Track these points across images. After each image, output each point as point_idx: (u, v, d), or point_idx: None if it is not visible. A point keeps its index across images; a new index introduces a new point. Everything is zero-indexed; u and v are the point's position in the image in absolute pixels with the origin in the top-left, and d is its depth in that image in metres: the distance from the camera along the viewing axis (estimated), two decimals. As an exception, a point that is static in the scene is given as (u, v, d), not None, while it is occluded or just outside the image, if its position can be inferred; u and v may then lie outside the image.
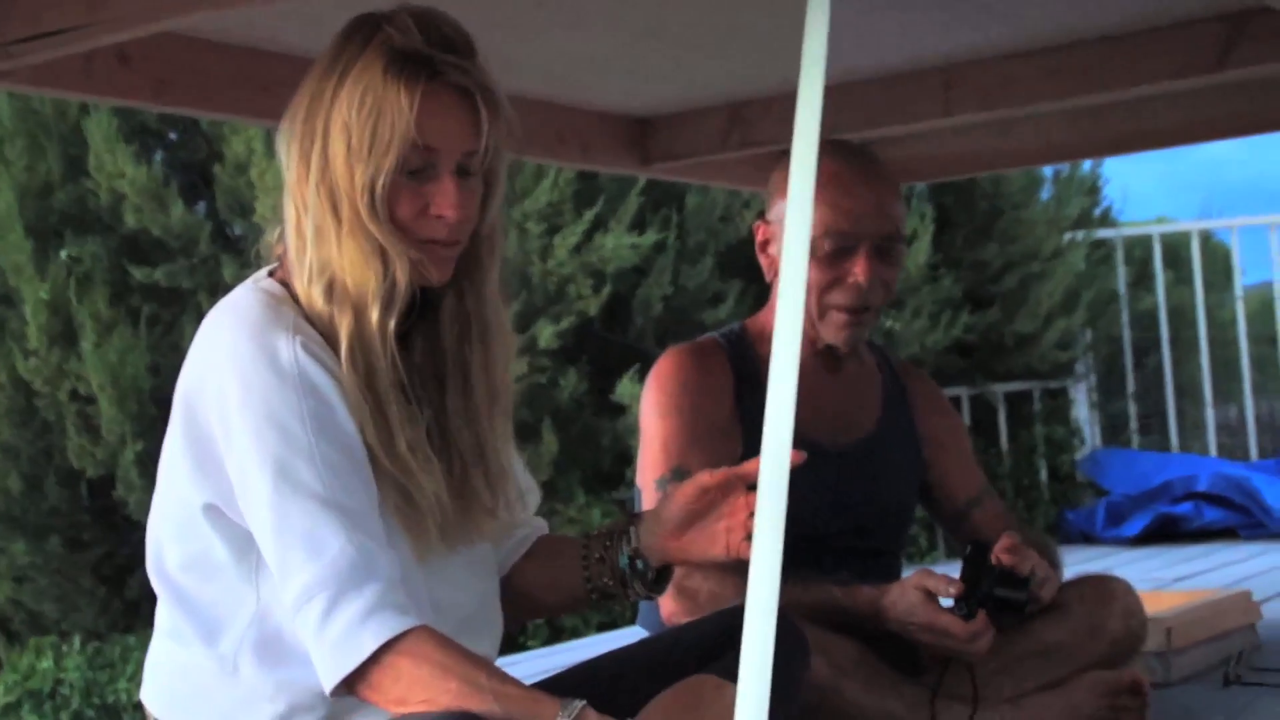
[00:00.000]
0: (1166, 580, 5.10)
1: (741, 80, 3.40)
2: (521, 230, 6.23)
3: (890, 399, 2.77)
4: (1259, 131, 3.66)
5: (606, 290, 6.30)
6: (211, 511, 1.74)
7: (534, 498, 2.07)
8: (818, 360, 2.67)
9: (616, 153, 3.72)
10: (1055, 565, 2.66)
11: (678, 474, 2.50)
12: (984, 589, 2.33)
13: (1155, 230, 8.13)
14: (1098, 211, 8.52)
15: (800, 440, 2.59)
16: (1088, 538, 6.87)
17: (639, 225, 6.47)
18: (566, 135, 3.53)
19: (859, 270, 2.52)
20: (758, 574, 1.67)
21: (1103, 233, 8.09)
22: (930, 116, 3.44)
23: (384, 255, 1.74)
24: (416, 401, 1.81)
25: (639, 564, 1.95)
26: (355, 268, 1.74)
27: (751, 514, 1.82)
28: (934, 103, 3.40)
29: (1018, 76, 3.28)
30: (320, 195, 1.74)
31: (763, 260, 2.68)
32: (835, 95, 3.54)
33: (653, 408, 2.61)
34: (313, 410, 1.69)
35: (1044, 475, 7.33)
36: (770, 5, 2.61)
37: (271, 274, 1.83)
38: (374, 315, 1.74)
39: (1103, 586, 2.62)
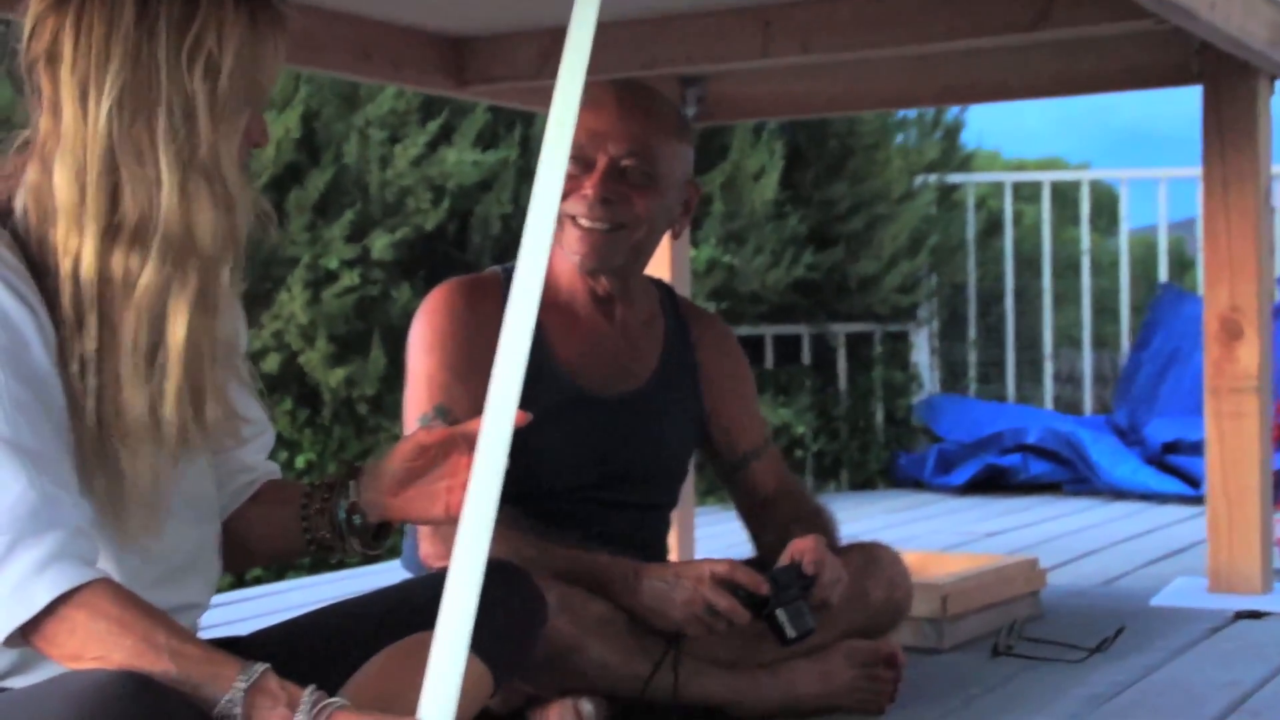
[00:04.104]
0: (978, 534, 5.12)
1: (556, 6, 3.28)
2: (363, 136, 6.06)
3: (672, 345, 2.68)
4: (1079, 92, 3.63)
5: (446, 205, 6.15)
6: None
7: (268, 438, 1.98)
8: (594, 305, 2.59)
9: (429, 72, 3.58)
10: (832, 533, 2.62)
11: (440, 411, 2.43)
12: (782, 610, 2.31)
13: (1007, 179, 8.11)
14: (962, 154, 8.43)
15: (570, 389, 2.55)
16: (917, 483, 6.90)
17: (486, 141, 6.32)
18: (374, 51, 3.39)
19: (589, 183, 2.46)
20: (467, 536, 1.60)
21: (955, 177, 8.05)
22: (748, 56, 3.36)
23: (232, 206, 1.64)
24: None
25: (356, 519, 1.88)
26: (204, 220, 1.62)
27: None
28: (752, 42, 3.31)
29: (837, 21, 3.21)
30: (167, 141, 1.61)
31: None
32: (652, 28, 3.48)
33: (419, 342, 2.53)
34: (4, 345, 1.58)
35: (880, 418, 7.33)
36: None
37: None
38: (224, 276, 1.65)
39: (869, 554, 2.58)
